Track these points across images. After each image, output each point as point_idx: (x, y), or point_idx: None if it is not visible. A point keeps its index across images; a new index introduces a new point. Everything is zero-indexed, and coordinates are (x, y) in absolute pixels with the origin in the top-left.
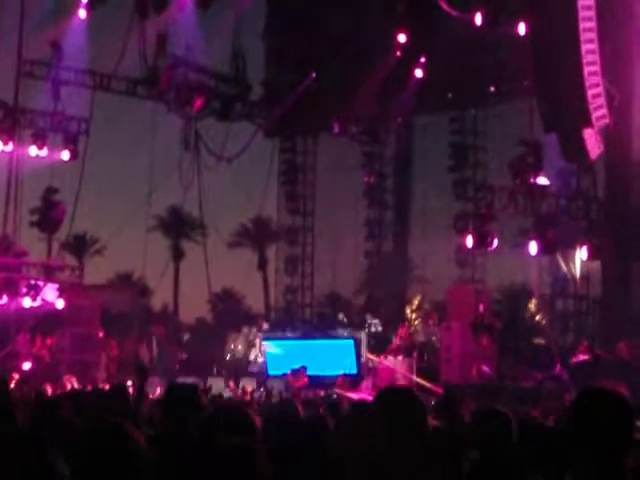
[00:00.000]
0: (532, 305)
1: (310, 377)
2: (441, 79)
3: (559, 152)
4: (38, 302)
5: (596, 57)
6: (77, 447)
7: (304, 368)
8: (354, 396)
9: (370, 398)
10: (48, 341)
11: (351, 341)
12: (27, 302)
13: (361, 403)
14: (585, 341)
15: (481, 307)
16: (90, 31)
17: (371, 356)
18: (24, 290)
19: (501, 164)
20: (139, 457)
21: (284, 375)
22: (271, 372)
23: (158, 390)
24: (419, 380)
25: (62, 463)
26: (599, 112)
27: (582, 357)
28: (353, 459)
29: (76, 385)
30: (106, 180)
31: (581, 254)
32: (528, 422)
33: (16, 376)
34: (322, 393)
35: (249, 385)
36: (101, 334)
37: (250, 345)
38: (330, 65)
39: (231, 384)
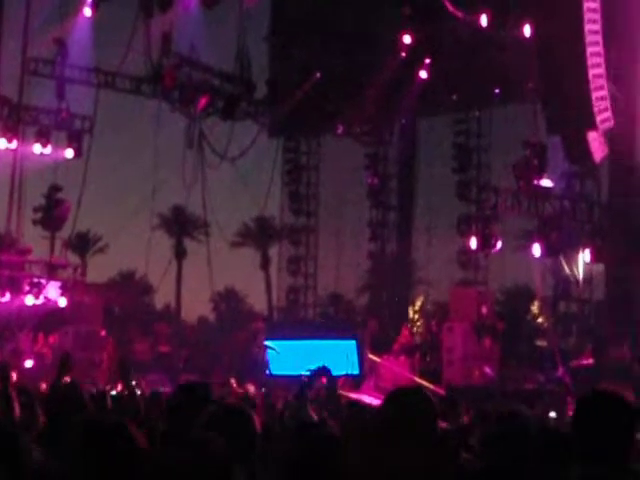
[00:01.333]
0: (534, 307)
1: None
2: (446, 80)
3: (563, 154)
4: (41, 300)
5: (601, 60)
6: (77, 445)
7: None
8: (357, 397)
9: (373, 399)
10: (50, 339)
11: (353, 341)
12: (30, 300)
13: (366, 405)
14: (590, 345)
15: (484, 309)
16: (95, 29)
17: (373, 357)
18: (27, 288)
19: (505, 166)
20: (140, 456)
21: (287, 376)
22: (274, 372)
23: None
24: (421, 381)
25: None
26: (603, 115)
27: (585, 360)
28: (362, 463)
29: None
30: (110, 178)
31: (584, 256)
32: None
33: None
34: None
35: (251, 385)
36: (103, 333)
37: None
38: (334, 65)
39: (232, 382)
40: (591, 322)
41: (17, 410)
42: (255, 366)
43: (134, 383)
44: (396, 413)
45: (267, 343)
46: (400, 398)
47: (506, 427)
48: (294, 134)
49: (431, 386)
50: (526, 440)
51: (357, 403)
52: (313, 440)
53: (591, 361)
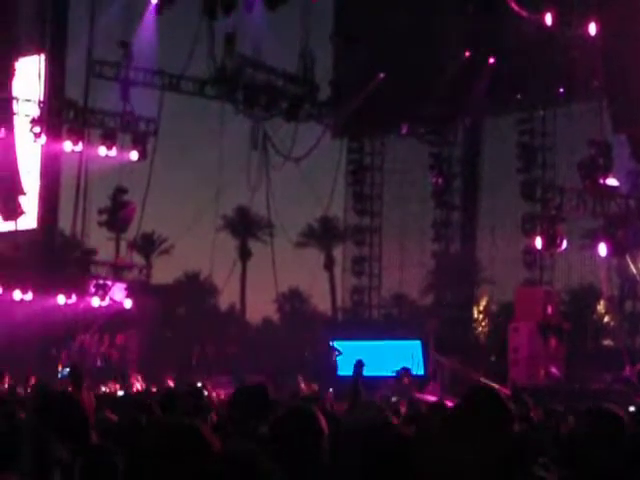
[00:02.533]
0: (600, 307)
1: (377, 378)
2: (510, 80)
3: (629, 153)
4: (107, 301)
5: None
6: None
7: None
8: (423, 397)
9: (443, 401)
10: (117, 340)
11: (418, 342)
12: (96, 301)
13: (439, 405)
14: None
15: (549, 309)
16: (159, 32)
17: (439, 357)
18: (93, 289)
19: (570, 165)
20: (214, 459)
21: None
22: (340, 373)
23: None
24: (486, 381)
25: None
26: None
27: None
28: (435, 463)
29: (141, 384)
30: (174, 180)
31: None
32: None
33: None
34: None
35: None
36: (168, 334)
37: None
38: (398, 66)
39: (301, 382)
40: None
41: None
42: (324, 367)
43: (200, 385)
44: (472, 412)
45: (332, 344)
46: (476, 398)
47: (601, 428)
48: (358, 135)
49: (496, 386)
50: (622, 441)
51: (436, 403)
52: (385, 441)
53: None
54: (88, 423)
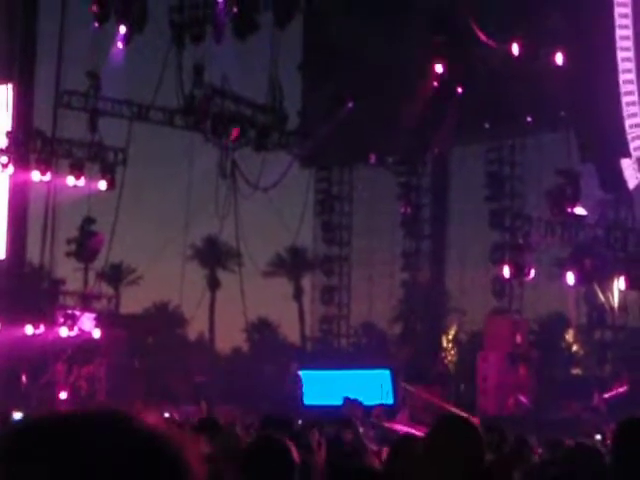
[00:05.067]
0: (569, 335)
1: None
2: (478, 109)
3: (597, 182)
4: (75, 331)
5: (634, 87)
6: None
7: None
8: (392, 427)
9: (409, 429)
10: (85, 371)
11: (387, 371)
12: (64, 332)
13: (409, 436)
14: (626, 373)
15: (518, 337)
16: (127, 62)
17: (407, 386)
18: (61, 320)
19: (538, 194)
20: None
21: (321, 406)
22: (307, 402)
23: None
24: (455, 411)
25: None
26: (637, 142)
27: (621, 389)
28: None
29: None
30: (143, 210)
31: (619, 284)
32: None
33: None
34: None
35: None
36: (137, 364)
37: None
38: (367, 95)
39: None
40: (626, 349)
41: None
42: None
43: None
44: (444, 441)
45: (298, 373)
46: (448, 426)
47: (583, 464)
48: (326, 164)
49: (465, 415)
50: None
51: (407, 434)
52: (355, 474)
53: (625, 388)
54: None
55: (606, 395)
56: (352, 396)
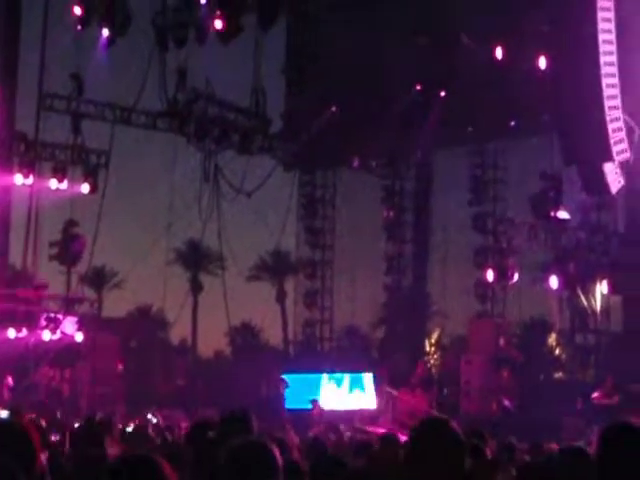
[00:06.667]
0: (552, 339)
1: (329, 411)
2: (461, 113)
3: (579, 186)
4: (57, 335)
5: (617, 91)
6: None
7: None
8: (374, 430)
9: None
10: (67, 374)
11: (370, 374)
12: (46, 335)
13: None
14: (610, 377)
15: (501, 341)
16: (110, 65)
17: (390, 390)
18: (43, 323)
19: (521, 198)
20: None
21: (302, 409)
22: (288, 406)
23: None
24: (438, 414)
25: None
26: (620, 146)
27: (607, 400)
28: None
29: None
30: (126, 213)
31: (602, 288)
32: None
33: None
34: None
35: None
36: (120, 367)
37: None
38: (350, 99)
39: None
40: (609, 354)
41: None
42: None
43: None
44: (424, 445)
45: (281, 376)
46: (429, 430)
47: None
48: (309, 168)
49: (448, 419)
50: None
51: (389, 436)
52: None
53: (616, 399)
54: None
55: (589, 399)
56: (319, 399)
